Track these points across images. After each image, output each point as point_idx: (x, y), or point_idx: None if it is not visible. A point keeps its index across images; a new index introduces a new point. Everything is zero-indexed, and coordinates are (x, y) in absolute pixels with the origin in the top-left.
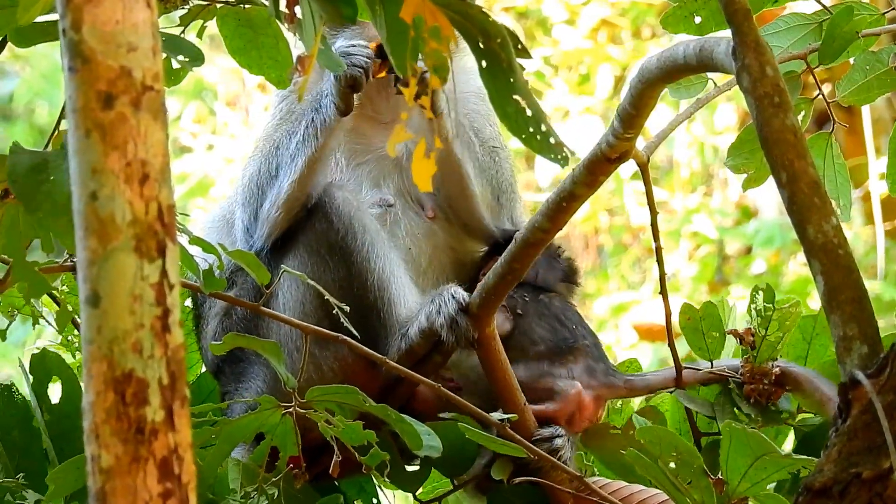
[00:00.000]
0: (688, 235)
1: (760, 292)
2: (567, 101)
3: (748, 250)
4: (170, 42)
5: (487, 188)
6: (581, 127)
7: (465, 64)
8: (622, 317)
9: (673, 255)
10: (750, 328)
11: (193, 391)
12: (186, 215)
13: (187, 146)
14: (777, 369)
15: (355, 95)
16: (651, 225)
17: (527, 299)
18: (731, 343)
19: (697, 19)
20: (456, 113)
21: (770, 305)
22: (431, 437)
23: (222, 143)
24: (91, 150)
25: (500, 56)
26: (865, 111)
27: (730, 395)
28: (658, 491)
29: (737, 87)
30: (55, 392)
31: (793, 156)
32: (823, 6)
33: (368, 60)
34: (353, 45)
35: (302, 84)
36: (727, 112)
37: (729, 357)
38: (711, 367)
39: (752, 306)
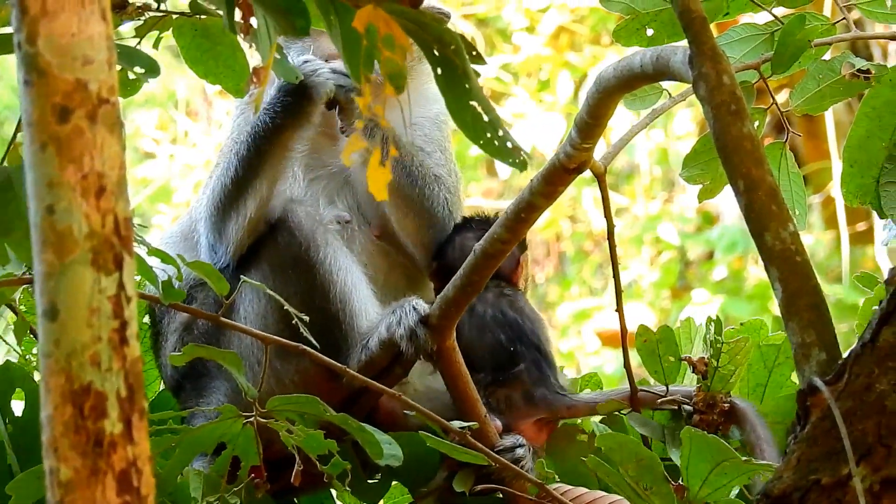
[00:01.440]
0: (650, 241)
1: (712, 324)
2: (527, 107)
3: (710, 256)
4: (125, 54)
5: (428, 214)
6: (544, 123)
7: (428, 90)
8: (585, 323)
9: (635, 262)
10: (703, 357)
11: (152, 409)
12: (145, 227)
13: (150, 152)
14: (727, 404)
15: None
16: (608, 237)
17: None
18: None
19: (650, 32)
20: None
21: (719, 338)
22: (392, 447)
23: (183, 152)
24: (47, 163)
25: (454, 63)
26: (828, 115)
27: (681, 422)
28: (620, 497)
29: (693, 95)
30: (18, 405)
31: (750, 164)
32: (775, 17)
33: (327, 85)
34: (314, 63)
35: (258, 95)
36: (686, 118)
37: (685, 382)
38: (666, 392)
39: (706, 336)
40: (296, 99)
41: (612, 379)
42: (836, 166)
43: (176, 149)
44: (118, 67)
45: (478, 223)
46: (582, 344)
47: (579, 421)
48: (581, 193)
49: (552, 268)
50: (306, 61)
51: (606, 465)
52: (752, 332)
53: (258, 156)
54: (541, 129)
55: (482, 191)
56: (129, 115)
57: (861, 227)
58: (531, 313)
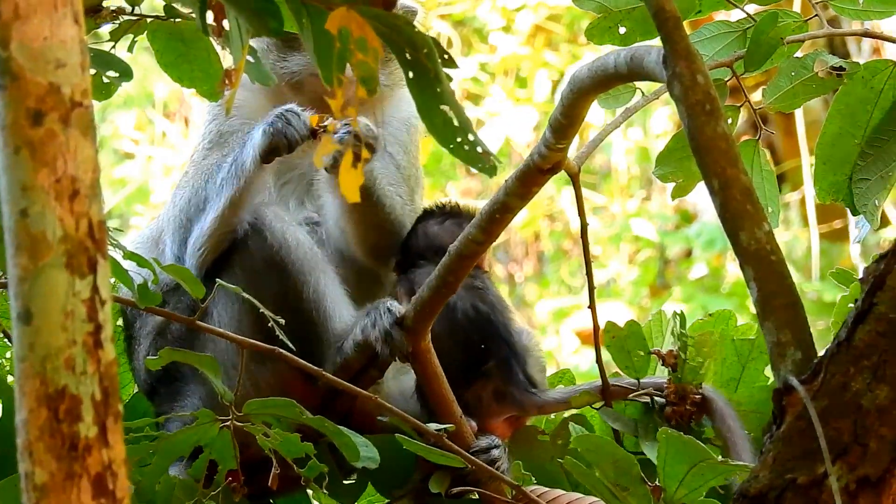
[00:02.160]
0: (628, 239)
1: (678, 318)
2: (504, 106)
3: (689, 253)
4: (99, 57)
5: (384, 218)
6: (518, 117)
7: (404, 92)
8: (563, 322)
9: (613, 260)
10: (672, 350)
11: (127, 413)
12: (121, 230)
13: (129, 153)
14: (699, 395)
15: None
16: (581, 236)
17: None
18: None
19: (622, 30)
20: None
21: (684, 332)
22: (369, 449)
23: (161, 153)
24: (21, 167)
25: (426, 67)
26: (799, 113)
27: (653, 415)
28: (596, 499)
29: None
30: None
31: (725, 163)
32: (748, 14)
33: (300, 136)
34: (295, 115)
35: (229, 97)
36: (664, 116)
37: (656, 375)
38: (638, 385)
39: (672, 330)
40: (275, 150)
41: (590, 376)
42: (808, 163)
43: (154, 150)
44: (92, 71)
45: (440, 211)
46: (560, 343)
47: (547, 419)
48: (559, 192)
49: (531, 267)
50: (293, 113)
51: (582, 466)
52: (722, 322)
53: (227, 185)
54: (515, 123)
55: (461, 190)
56: (108, 116)
57: (838, 224)
58: (499, 304)
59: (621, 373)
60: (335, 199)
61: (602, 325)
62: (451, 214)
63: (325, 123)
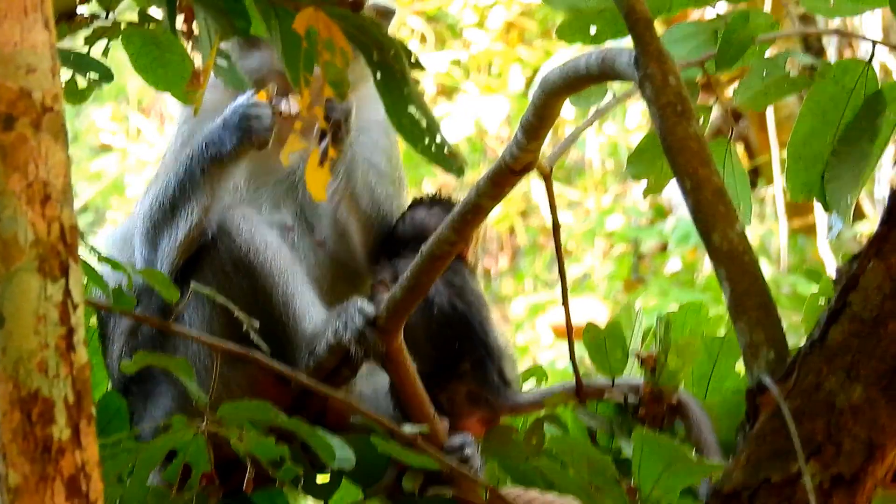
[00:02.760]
0: (603, 234)
1: (662, 322)
2: (478, 102)
3: (664, 248)
4: (78, 60)
5: (375, 223)
6: (490, 105)
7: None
8: (539, 317)
9: (588, 255)
10: (652, 353)
11: (100, 410)
12: (93, 234)
13: (106, 144)
14: (676, 399)
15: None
16: (554, 235)
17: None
18: (633, 363)
19: (593, 30)
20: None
21: (669, 337)
22: (344, 449)
23: (136, 148)
24: None
25: (393, 68)
26: (770, 109)
27: (627, 414)
28: (571, 499)
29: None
30: None
31: (697, 164)
32: (718, 14)
33: (268, 129)
34: (258, 107)
35: (198, 97)
36: (638, 111)
37: (631, 374)
38: (612, 385)
39: (656, 332)
40: (237, 138)
41: (565, 374)
42: (777, 159)
43: (129, 145)
44: (70, 74)
45: (429, 199)
46: (536, 337)
47: (522, 418)
48: (531, 188)
49: (506, 261)
50: (252, 103)
51: (557, 467)
52: (693, 314)
53: (193, 183)
54: (486, 110)
55: (438, 185)
56: (82, 110)
57: (812, 218)
58: (478, 301)
59: (594, 371)
60: (324, 208)
61: (577, 321)
62: (439, 203)
63: (282, 109)
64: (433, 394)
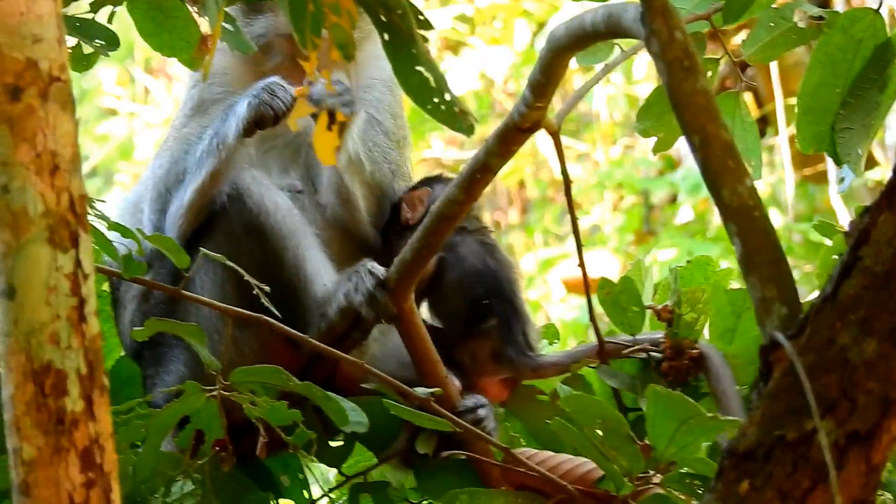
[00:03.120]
0: (612, 186)
1: (674, 272)
2: (484, 55)
3: (674, 199)
4: (84, 26)
5: (379, 188)
6: (495, 56)
7: (378, 49)
8: (549, 271)
9: (597, 207)
10: (667, 305)
11: (112, 376)
12: (103, 201)
13: (112, 108)
14: (696, 350)
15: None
16: (566, 193)
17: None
18: (650, 316)
19: None
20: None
21: (678, 287)
22: (357, 413)
23: (144, 110)
24: (0, 143)
25: (401, 28)
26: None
27: (650, 370)
28: (585, 460)
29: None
30: None
31: (704, 119)
32: None
33: (286, 107)
34: (280, 87)
35: (206, 63)
36: (645, 62)
37: (649, 330)
38: (633, 341)
39: (669, 285)
40: (259, 122)
41: (576, 325)
42: (782, 107)
43: (136, 106)
44: (76, 41)
45: (434, 178)
46: (548, 292)
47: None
48: (536, 141)
49: (517, 215)
50: (279, 85)
51: (571, 427)
52: (701, 268)
53: (207, 158)
54: (492, 61)
55: (446, 139)
56: (90, 72)
57: (823, 166)
58: (507, 263)
59: (609, 325)
60: (328, 171)
61: (589, 274)
62: (443, 181)
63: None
64: (456, 352)
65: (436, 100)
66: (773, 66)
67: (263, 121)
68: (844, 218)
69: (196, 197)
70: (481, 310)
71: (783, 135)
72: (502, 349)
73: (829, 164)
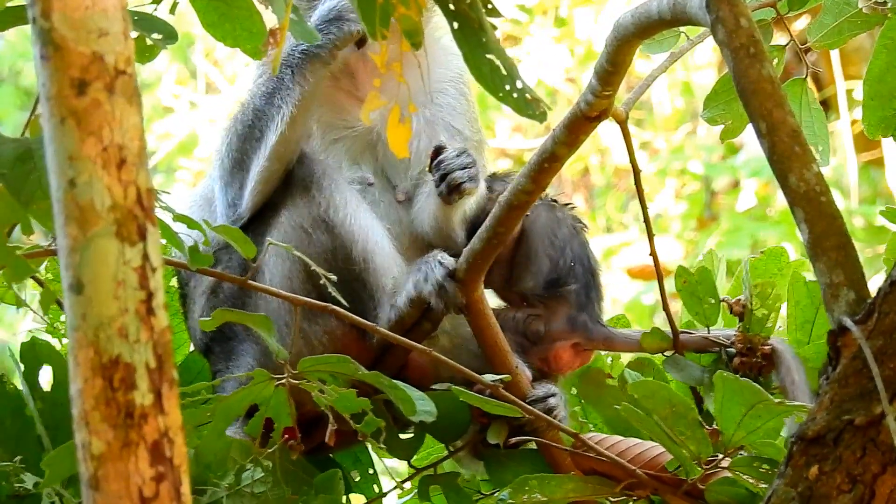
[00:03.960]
0: (674, 173)
1: (746, 264)
2: (545, 47)
3: (736, 184)
4: (143, 20)
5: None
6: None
7: (443, 44)
8: (612, 259)
9: (660, 194)
10: (740, 299)
11: (182, 371)
12: (168, 192)
13: (169, 107)
14: (768, 347)
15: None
16: (635, 183)
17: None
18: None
19: None
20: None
21: (750, 281)
22: (426, 403)
23: (205, 101)
24: (67, 137)
25: (470, 17)
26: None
27: (722, 366)
28: (655, 444)
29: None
30: (44, 378)
31: (771, 105)
32: None
33: (347, 33)
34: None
35: (275, 56)
36: (706, 49)
37: (722, 325)
38: (708, 334)
39: (742, 279)
40: (337, 30)
41: (637, 307)
42: (843, 91)
43: (197, 97)
44: (136, 34)
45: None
46: (611, 279)
47: (609, 360)
48: (600, 131)
49: (581, 204)
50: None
51: (640, 412)
52: (774, 259)
53: (281, 87)
54: (549, 63)
55: (513, 126)
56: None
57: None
58: (587, 242)
59: (690, 320)
60: (428, 202)
61: (651, 261)
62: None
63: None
64: (532, 318)
65: (507, 87)
66: (835, 51)
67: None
68: None
69: (278, 143)
70: (565, 272)
71: (845, 117)
72: (578, 314)
73: (887, 147)
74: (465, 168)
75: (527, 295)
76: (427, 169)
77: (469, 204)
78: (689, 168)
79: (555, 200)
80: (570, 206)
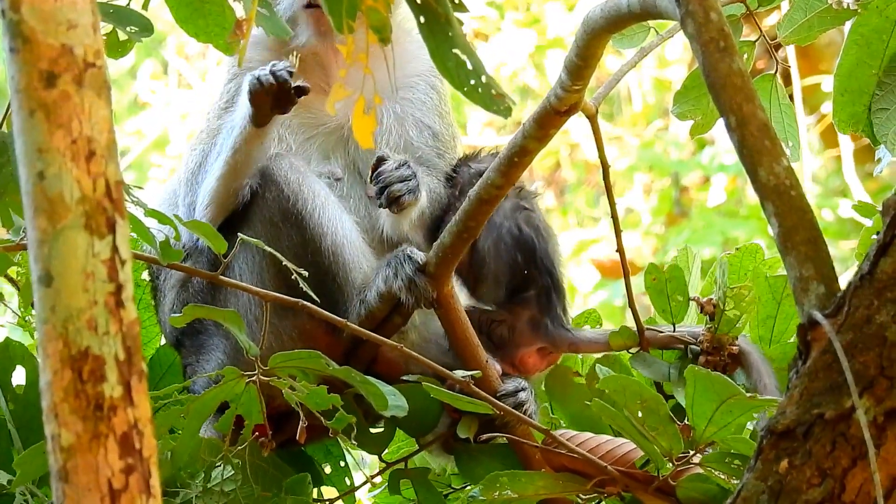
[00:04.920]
0: (644, 168)
1: (722, 265)
2: (516, 43)
3: (706, 180)
4: (118, 13)
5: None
6: (512, 39)
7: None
8: (583, 254)
9: (629, 190)
10: (711, 299)
11: (153, 365)
12: (140, 187)
13: (145, 102)
14: (736, 347)
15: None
16: (604, 178)
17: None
18: (694, 305)
19: None
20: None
21: (726, 282)
22: (397, 397)
23: (179, 97)
24: (36, 129)
25: (437, 11)
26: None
27: (688, 363)
28: (625, 440)
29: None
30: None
31: (741, 99)
32: None
33: (275, 81)
34: (276, 64)
35: (241, 48)
36: (677, 45)
37: (691, 322)
38: (674, 331)
39: (716, 278)
40: (255, 98)
41: (609, 308)
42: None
43: (170, 92)
44: (111, 27)
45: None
46: (582, 274)
47: (581, 356)
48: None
49: (553, 199)
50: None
51: (611, 408)
52: (749, 255)
53: (226, 147)
54: (509, 46)
55: (485, 122)
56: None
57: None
58: (545, 230)
59: (658, 317)
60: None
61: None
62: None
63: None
64: (495, 317)
65: (472, 82)
66: (790, 48)
67: (256, 97)
68: (859, 194)
69: (220, 188)
70: (521, 279)
71: (799, 112)
72: (540, 317)
73: (844, 142)
74: (403, 181)
75: (490, 302)
76: (368, 180)
77: (417, 211)
78: (658, 163)
79: (521, 188)
80: (520, 192)
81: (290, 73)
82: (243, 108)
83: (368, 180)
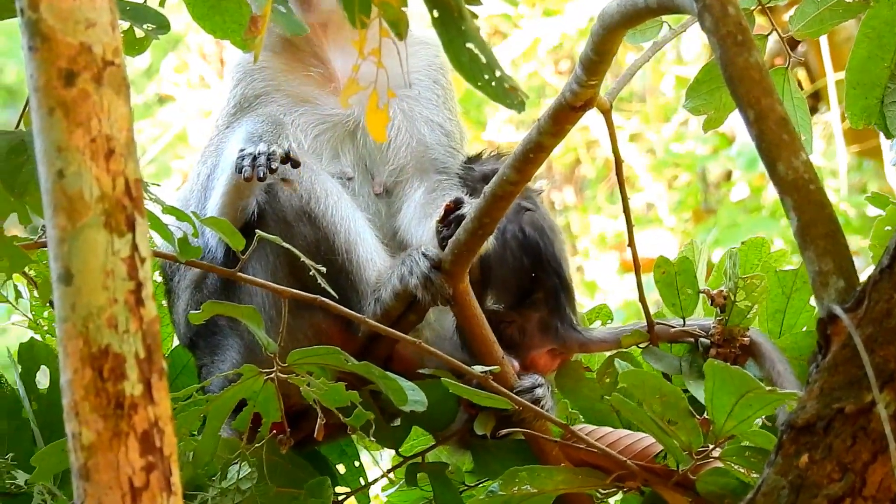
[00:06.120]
0: (667, 165)
1: (733, 256)
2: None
3: (729, 175)
4: (134, 11)
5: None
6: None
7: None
8: (604, 251)
9: (653, 186)
10: (722, 290)
11: (168, 365)
12: (158, 185)
13: (168, 95)
14: (747, 338)
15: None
16: (616, 172)
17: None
18: (703, 298)
19: None
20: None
21: (737, 273)
22: (416, 392)
23: (198, 96)
24: (55, 128)
25: (450, 5)
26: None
27: (698, 356)
28: (644, 435)
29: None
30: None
31: (759, 93)
32: None
33: (263, 175)
34: (263, 154)
35: (256, 43)
36: (694, 39)
37: (700, 315)
38: (684, 325)
39: (726, 269)
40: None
41: (628, 305)
42: (832, 84)
43: (191, 92)
44: (127, 25)
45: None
46: (602, 270)
47: (593, 356)
48: (590, 123)
49: (572, 195)
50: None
51: (630, 402)
52: (755, 248)
53: (221, 184)
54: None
55: (503, 119)
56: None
57: (876, 141)
58: (550, 230)
59: (667, 311)
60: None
61: (645, 255)
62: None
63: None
64: (504, 320)
65: (486, 76)
66: (823, 41)
67: (239, 188)
68: None
69: (226, 208)
70: (529, 282)
71: (835, 109)
72: (549, 321)
73: (883, 137)
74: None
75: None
76: (439, 220)
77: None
78: (682, 159)
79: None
80: (537, 193)
81: (272, 169)
82: (228, 166)
83: (439, 220)
